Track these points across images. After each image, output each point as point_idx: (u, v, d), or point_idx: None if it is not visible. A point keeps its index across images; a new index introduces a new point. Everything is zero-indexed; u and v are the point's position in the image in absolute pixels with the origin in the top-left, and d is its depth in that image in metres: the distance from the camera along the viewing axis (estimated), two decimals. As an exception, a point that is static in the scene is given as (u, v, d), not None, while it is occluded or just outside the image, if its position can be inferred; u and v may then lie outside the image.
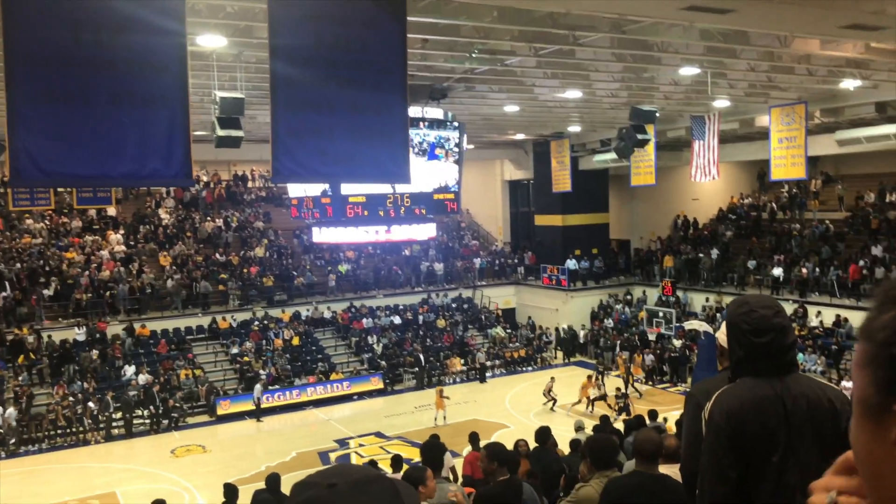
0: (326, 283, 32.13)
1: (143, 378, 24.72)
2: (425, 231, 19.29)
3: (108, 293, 27.65)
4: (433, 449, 6.05)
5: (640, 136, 19.11)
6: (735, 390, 2.69)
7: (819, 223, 30.89)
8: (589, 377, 24.62)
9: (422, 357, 28.82)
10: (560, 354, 32.11)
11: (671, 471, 5.15)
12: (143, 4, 7.23)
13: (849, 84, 19.73)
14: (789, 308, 25.08)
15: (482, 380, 28.87)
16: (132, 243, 30.86)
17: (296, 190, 19.06)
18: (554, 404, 24.32)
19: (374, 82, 7.98)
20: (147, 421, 23.88)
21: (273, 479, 9.05)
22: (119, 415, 23.39)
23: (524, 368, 30.72)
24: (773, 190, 35.04)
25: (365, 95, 8.00)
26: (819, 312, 26.04)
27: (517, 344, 31.96)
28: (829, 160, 31.57)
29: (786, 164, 21.85)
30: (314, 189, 17.72)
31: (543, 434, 10.19)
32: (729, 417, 2.61)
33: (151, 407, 23.90)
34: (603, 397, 23.96)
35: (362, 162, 8.20)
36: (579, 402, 23.96)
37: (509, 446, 8.01)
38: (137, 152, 6.98)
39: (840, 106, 22.31)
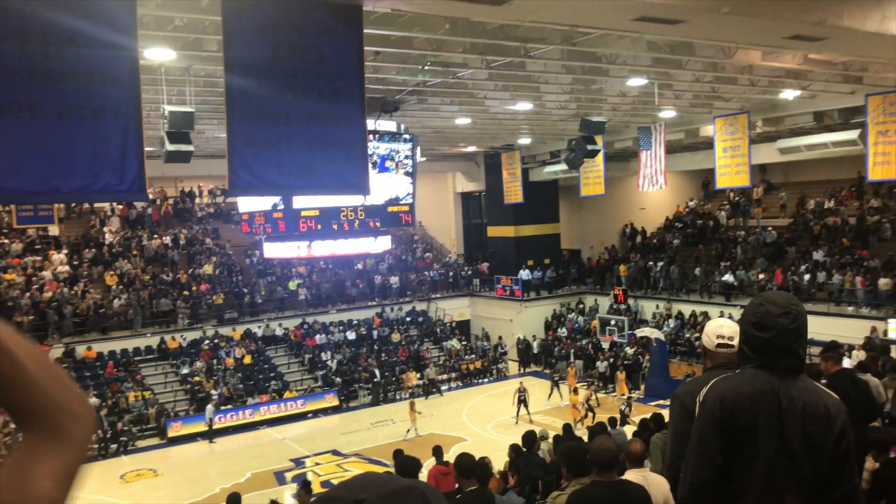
0: (281, 299, 31.74)
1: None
2: (380, 244, 19.15)
3: (52, 315, 26.76)
4: (408, 464, 5.94)
5: (590, 147, 19.39)
6: (733, 379, 2.71)
7: (763, 230, 31.75)
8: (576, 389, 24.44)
9: (377, 372, 28.58)
10: (514, 365, 32.21)
11: (640, 475, 5.18)
12: (91, 15, 7.03)
13: (788, 94, 20.39)
14: (737, 314, 25.65)
15: (429, 395, 28.31)
16: (76, 263, 29.97)
17: (246, 205, 18.75)
18: (522, 412, 23.95)
19: (332, 92, 7.91)
20: (94, 446, 23.12)
21: (234, 499, 8.84)
22: (64, 440, 22.57)
23: (480, 380, 30.72)
24: (717, 198, 35.91)
25: (322, 106, 7.92)
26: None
27: (473, 356, 31.97)
28: (778, 168, 32.44)
29: (730, 173, 22.44)
30: (266, 203, 17.47)
31: (530, 439, 10.24)
32: (723, 404, 2.63)
33: (99, 431, 23.15)
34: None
35: (320, 173, 8.11)
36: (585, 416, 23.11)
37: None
38: (89, 166, 6.77)
39: (781, 115, 23.05)
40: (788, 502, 2.57)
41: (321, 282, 33.28)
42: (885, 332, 22.44)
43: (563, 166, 24.76)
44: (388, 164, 18.30)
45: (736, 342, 3.55)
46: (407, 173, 18.51)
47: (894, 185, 28.51)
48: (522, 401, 24.02)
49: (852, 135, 22.26)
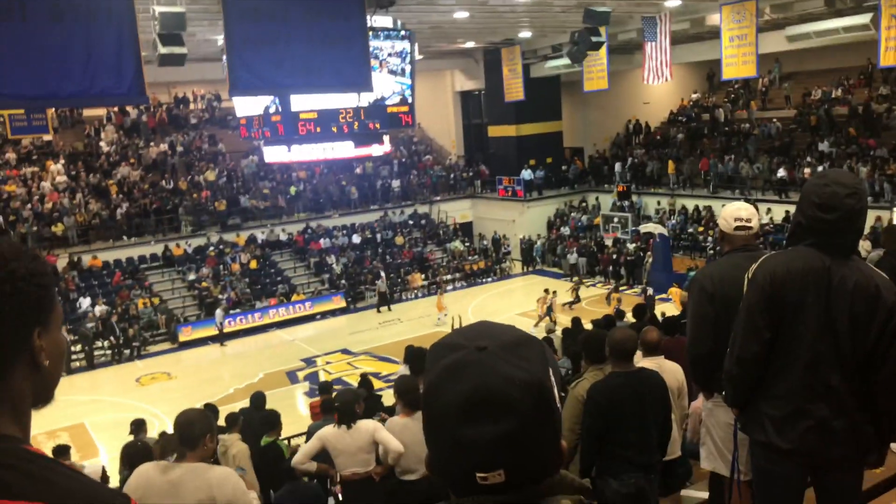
0: (279, 203, 31.73)
1: (99, 309, 24.32)
2: (380, 146, 18.88)
3: (55, 225, 26.82)
4: (420, 355, 6.01)
5: (594, 39, 18.85)
6: (784, 256, 2.69)
7: (767, 122, 31.29)
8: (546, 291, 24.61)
9: (383, 274, 28.82)
10: (518, 265, 32.51)
11: (655, 363, 5.28)
12: None
13: (799, -22, 19.63)
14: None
15: (380, 308, 27.46)
16: (73, 173, 29.74)
17: (244, 108, 18.39)
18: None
19: (331, -14, 7.60)
20: (108, 352, 23.63)
21: (258, 398, 9.10)
22: (78, 347, 23.05)
23: (483, 280, 31.06)
24: (722, 90, 35.25)
25: (321, 1, 7.62)
26: (769, 209, 26.68)
27: (476, 257, 32.21)
28: (791, 57, 31.35)
29: (737, 63, 21.88)
30: (260, 106, 17.11)
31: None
32: (773, 280, 2.61)
33: (112, 337, 23.61)
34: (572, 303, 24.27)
35: (321, 71, 7.89)
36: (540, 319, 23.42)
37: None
38: (85, 70, 6.54)
39: (790, 1, 22.26)
40: (831, 380, 2.58)
41: (322, 186, 33.12)
42: (891, 221, 22.45)
43: (566, 60, 24.13)
44: (371, 62, 17.80)
45: (754, 224, 3.51)
46: (391, 72, 17.93)
47: (904, 72, 27.92)
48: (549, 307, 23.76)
49: (864, 19, 21.54)
